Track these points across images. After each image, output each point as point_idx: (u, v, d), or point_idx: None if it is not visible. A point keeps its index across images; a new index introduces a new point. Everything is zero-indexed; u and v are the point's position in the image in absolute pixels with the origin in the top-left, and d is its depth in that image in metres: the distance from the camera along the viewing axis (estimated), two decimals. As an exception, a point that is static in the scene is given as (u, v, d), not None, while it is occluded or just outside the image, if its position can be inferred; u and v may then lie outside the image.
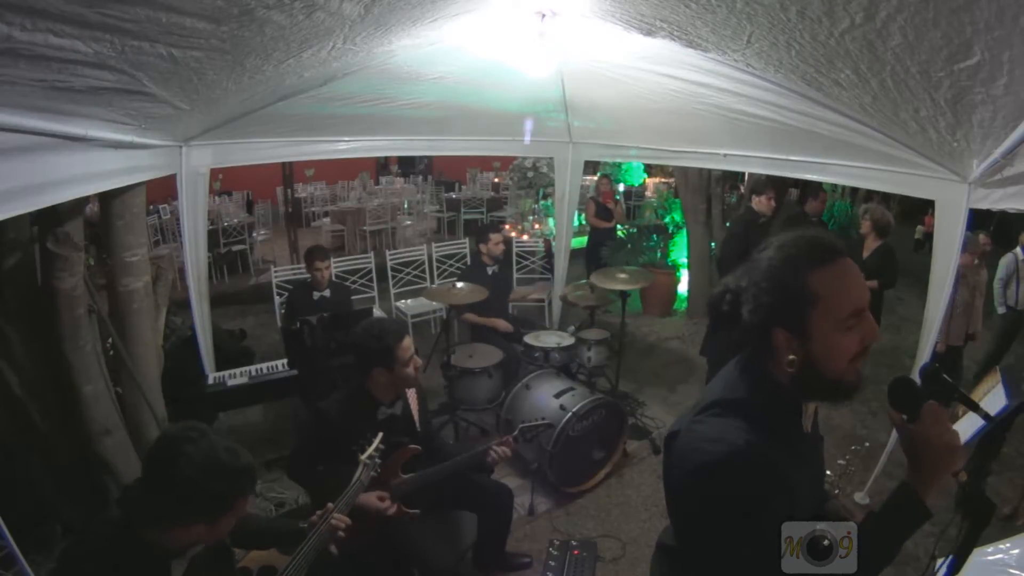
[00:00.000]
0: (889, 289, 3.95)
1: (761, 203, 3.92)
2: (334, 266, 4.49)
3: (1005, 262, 4.18)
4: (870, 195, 7.04)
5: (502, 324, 4.02)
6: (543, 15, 2.16)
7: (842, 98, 2.04)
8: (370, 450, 1.83)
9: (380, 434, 1.89)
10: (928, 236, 8.83)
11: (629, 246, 6.07)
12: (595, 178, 7.92)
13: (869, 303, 0.98)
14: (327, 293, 3.75)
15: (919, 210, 9.45)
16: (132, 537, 1.23)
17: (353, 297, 4.34)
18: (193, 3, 1.17)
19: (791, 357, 0.97)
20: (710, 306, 1.10)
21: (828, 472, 3.16)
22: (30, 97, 1.34)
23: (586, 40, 2.39)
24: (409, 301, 5.13)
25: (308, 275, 3.79)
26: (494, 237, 4.17)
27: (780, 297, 0.95)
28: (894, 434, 2.94)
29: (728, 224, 6.13)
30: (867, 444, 3.21)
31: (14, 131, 1.39)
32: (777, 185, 4.08)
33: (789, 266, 0.95)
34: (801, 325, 0.94)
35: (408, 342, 2.07)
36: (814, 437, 1.14)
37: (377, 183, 11.64)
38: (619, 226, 6.45)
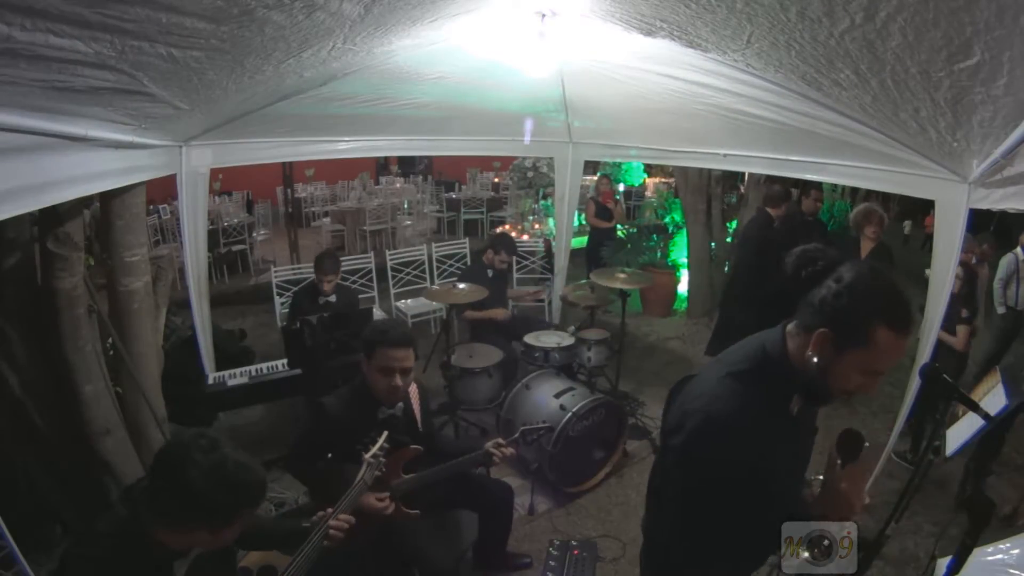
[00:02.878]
0: None
1: (776, 210, 4.16)
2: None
3: (1005, 262, 4.17)
4: (870, 195, 7.03)
5: (500, 312, 4.02)
6: (543, 15, 2.16)
7: (842, 98, 2.04)
8: (374, 449, 1.83)
9: (385, 433, 1.89)
10: (927, 236, 8.90)
11: (629, 246, 6.07)
12: (595, 178, 7.91)
13: None
14: (332, 298, 3.73)
15: (920, 209, 9.52)
16: (137, 534, 1.23)
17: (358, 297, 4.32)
18: (193, 3, 1.17)
19: (813, 353, 1.07)
20: (796, 260, 1.16)
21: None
22: (30, 97, 1.34)
23: (586, 40, 2.39)
24: (409, 301, 5.13)
25: (314, 278, 3.76)
26: (505, 255, 4.16)
27: (849, 319, 1.04)
28: (894, 434, 2.94)
29: (730, 225, 6.14)
30: (867, 444, 3.21)
31: (14, 131, 1.39)
32: (787, 192, 4.26)
33: (874, 309, 1.03)
34: (843, 347, 1.05)
35: (396, 353, 1.99)
36: (802, 424, 1.25)
37: (377, 183, 11.64)
38: (619, 226, 6.45)
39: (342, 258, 4.89)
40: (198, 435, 1.24)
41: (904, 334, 1.04)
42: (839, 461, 1.14)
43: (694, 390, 1.17)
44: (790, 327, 1.16)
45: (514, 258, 4.29)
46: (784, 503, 1.14)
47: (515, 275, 5.77)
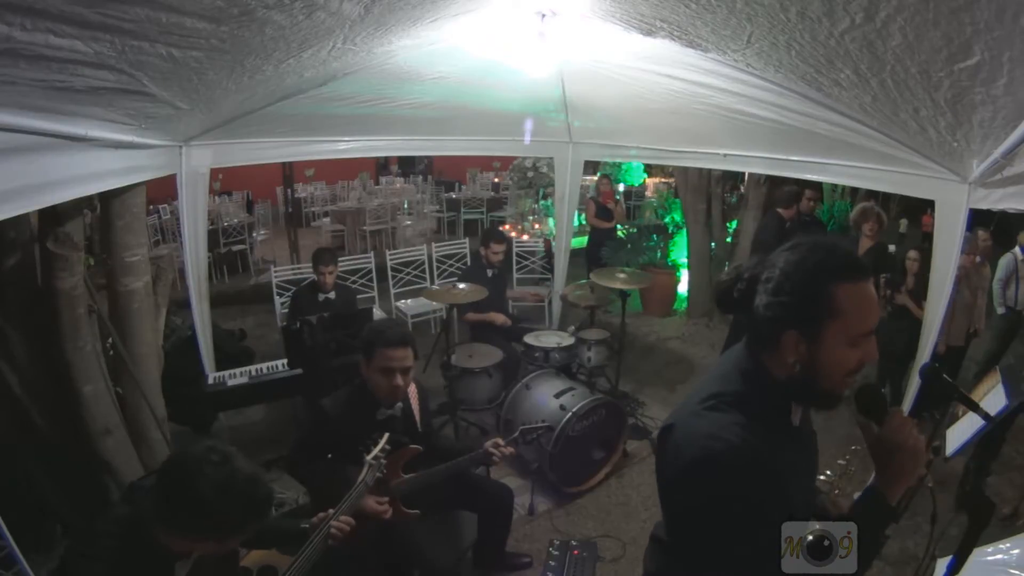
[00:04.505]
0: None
1: (787, 211, 4.26)
2: (334, 266, 4.48)
3: (1004, 262, 4.17)
4: (870, 195, 7.04)
5: (500, 318, 4.02)
6: (543, 15, 2.16)
7: (842, 98, 2.05)
8: (375, 451, 1.83)
9: (386, 435, 1.89)
10: (924, 235, 8.92)
11: (629, 246, 6.07)
12: (595, 178, 7.91)
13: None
14: (332, 295, 3.74)
15: (918, 208, 9.55)
16: (138, 535, 1.23)
17: (357, 297, 4.33)
18: (193, 3, 1.17)
19: (793, 360, 0.98)
20: (720, 290, 1.11)
21: (828, 472, 3.17)
22: (30, 97, 1.34)
23: (586, 40, 2.39)
24: (409, 301, 5.13)
25: (314, 276, 3.78)
26: (495, 247, 4.16)
27: (802, 300, 0.96)
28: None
29: (730, 225, 6.15)
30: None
31: (14, 131, 1.39)
32: (798, 192, 4.30)
33: (819, 273, 0.95)
34: (815, 332, 0.96)
35: (395, 353, 1.98)
36: (805, 431, 1.16)
37: (377, 183, 11.63)
38: (619, 226, 6.45)
39: (342, 258, 4.91)
40: (210, 449, 1.24)
41: (864, 279, 0.96)
42: (873, 423, 1.04)
43: (681, 439, 1.03)
44: (757, 345, 1.07)
45: (504, 247, 4.26)
46: (804, 519, 1.04)
47: (515, 275, 5.78)
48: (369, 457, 1.81)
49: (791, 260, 0.98)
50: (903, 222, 10.38)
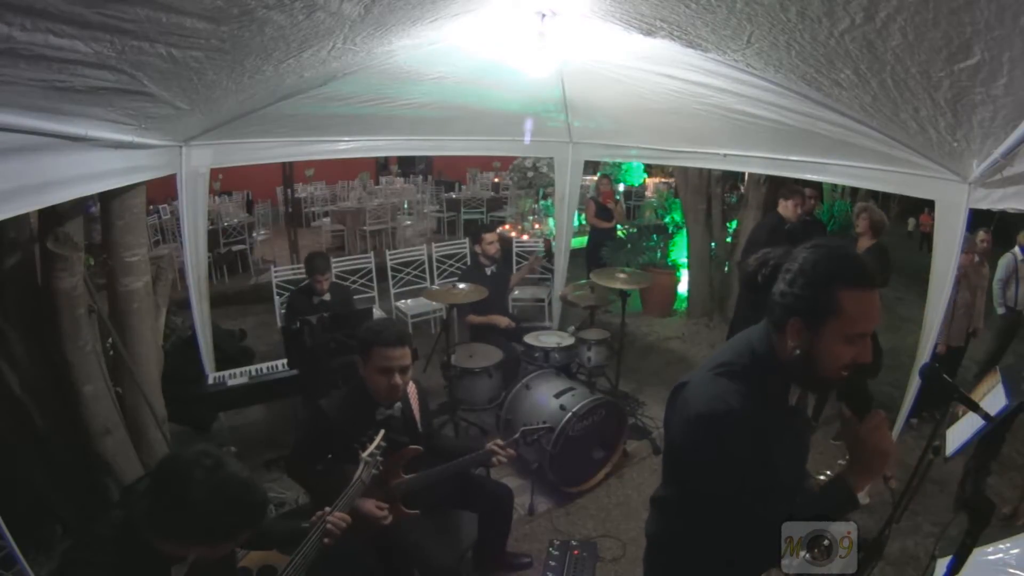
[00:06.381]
0: (883, 288, 3.97)
1: (787, 208, 4.06)
2: (334, 266, 4.49)
3: (1004, 262, 4.17)
4: (870, 195, 7.04)
5: (504, 321, 4.02)
6: (543, 15, 2.16)
7: (842, 98, 2.05)
8: (371, 448, 1.82)
9: (382, 432, 1.88)
10: (927, 236, 8.93)
11: (629, 246, 6.07)
12: (595, 178, 7.92)
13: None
14: (327, 297, 3.75)
15: (923, 207, 9.58)
16: (134, 539, 1.23)
17: (354, 297, 4.33)
18: (193, 3, 1.17)
19: (794, 344, 1.10)
20: (746, 271, 1.23)
21: (828, 472, 3.16)
22: (30, 97, 1.34)
23: (586, 40, 2.39)
24: (409, 301, 5.14)
25: (308, 279, 3.77)
26: (487, 237, 4.17)
27: (810, 296, 1.07)
28: (894, 434, 2.94)
29: (730, 225, 6.14)
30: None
31: (14, 131, 1.39)
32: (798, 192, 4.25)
33: (831, 274, 1.06)
34: (817, 325, 1.07)
35: (392, 352, 1.97)
36: (799, 415, 1.28)
37: (377, 183, 11.64)
38: (619, 226, 6.45)
39: (342, 258, 4.90)
40: (202, 453, 1.22)
41: (869, 287, 1.06)
42: (855, 417, 1.13)
43: (690, 396, 1.18)
44: (769, 326, 1.19)
45: (496, 237, 4.26)
46: (792, 495, 1.15)
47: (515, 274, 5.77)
48: (365, 454, 1.80)
49: (808, 259, 1.09)
50: (912, 221, 10.40)
